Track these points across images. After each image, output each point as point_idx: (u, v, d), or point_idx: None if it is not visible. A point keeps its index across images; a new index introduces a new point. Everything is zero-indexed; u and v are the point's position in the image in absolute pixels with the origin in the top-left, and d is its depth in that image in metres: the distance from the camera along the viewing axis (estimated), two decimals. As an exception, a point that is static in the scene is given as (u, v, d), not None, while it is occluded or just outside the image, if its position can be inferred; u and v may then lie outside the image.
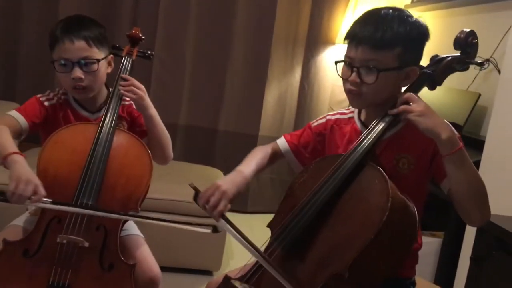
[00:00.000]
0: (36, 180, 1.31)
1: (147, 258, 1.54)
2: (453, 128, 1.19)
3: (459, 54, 1.32)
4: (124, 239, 1.57)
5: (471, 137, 2.30)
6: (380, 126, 1.25)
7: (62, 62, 1.52)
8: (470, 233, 2.01)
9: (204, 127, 3.29)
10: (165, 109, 3.17)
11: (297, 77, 3.37)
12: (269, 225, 1.31)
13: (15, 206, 1.55)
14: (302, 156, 1.48)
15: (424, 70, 1.31)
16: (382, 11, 1.27)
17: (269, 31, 3.21)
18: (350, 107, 1.45)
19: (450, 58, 1.31)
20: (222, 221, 1.22)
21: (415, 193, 1.27)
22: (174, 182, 2.49)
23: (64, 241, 1.35)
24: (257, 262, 1.25)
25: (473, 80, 2.57)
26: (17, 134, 1.52)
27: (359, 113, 1.41)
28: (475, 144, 2.17)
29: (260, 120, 3.29)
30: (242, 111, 3.29)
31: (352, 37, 1.26)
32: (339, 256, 1.13)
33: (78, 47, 1.51)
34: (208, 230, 1.34)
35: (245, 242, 1.19)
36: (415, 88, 1.29)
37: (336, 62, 1.33)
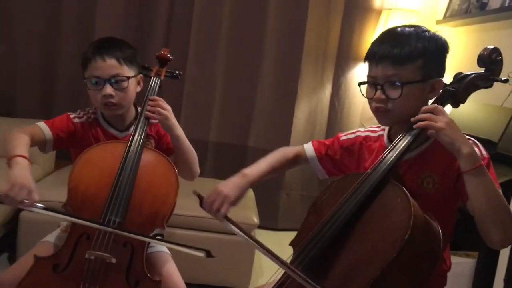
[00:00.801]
0: (31, 185, 1.33)
1: (173, 275, 1.56)
2: (475, 147, 1.18)
3: (483, 71, 1.31)
4: (151, 255, 1.59)
5: (506, 154, 2.23)
6: (403, 143, 1.24)
7: (94, 80, 1.58)
8: (504, 253, 1.95)
9: (234, 144, 3.32)
10: (196, 126, 3.24)
11: (327, 93, 3.37)
12: (291, 244, 1.32)
13: (48, 223, 1.62)
14: (326, 166, 1.49)
15: (447, 87, 1.30)
16: (398, 29, 1.29)
17: (299, 47, 3.23)
18: (381, 126, 1.45)
19: (473, 75, 1.30)
20: (226, 221, 1.30)
21: (441, 212, 1.25)
22: (195, 198, 2.51)
23: (92, 257, 1.39)
24: (282, 276, 1.26)
25: (508, 96, 2.51)
26: (40, 143, 1.58)
27: (389, 131, 1.40)
28: (511, 161, 2.11)
29: (290, 137, 3.30)
30: (272, 128, 3.30)
31: (371, 56, 1.28)
32: (361, 274, 1.12)
33: (109, 65, 1.57)
34: (202, 254, 1.35)
35: (250, 240, 1.26)
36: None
37: (359, 84, 1.34)
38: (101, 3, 3.12)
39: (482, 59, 1.31)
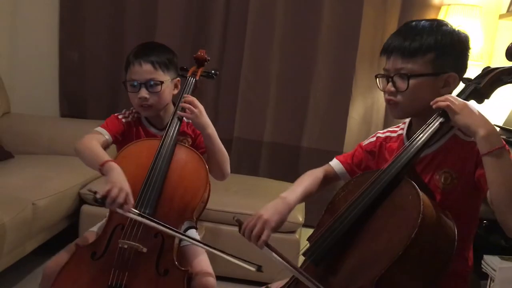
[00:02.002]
0: (128, 189, 1.45)
1: (204, 268, 1.62)
2: (495, 128, 1.14)
3: (511, 65, 1.26)
4: (184, 248, 1.67)
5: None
6: (420, 140, 1.22)
7: (132, 83, 1.69)
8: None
9: (288, 144, 3.34)
10: (251, 126, 3.30)
11: (383, 92, 3.29)
12: (308, 239, 1.33)
13: (105, 216, 1.73)
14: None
15: (470, 82, 1.27)
16: (414, 23, 1.29)
17: (354, 46, 3.18)
18: (400, 125, 1.44)
19: (499, 70, 1.25)
20: (266, 249, 1.26)
21: (462, 210, 1.23)
22: (250, 196, 2.58)
23: (125, 246, 1.49)
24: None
25: None
26: (105, 147, 1.69)
27: (408, 130, 1.38)
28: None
29: (344, 137, 3.26)
30: (326, 128, 3.28)
31: (384, 49, 1.29)
32: (367, 271, 1.13)
33: (145, 70, 1.67)
34: (253, 268, 1.38)
35: (292, 268, 1.24)
36: (459, 101, 1.24)
37: (376, 76, 1.34)
38: (162, 11, 3.26)
39: (510, 53, 1.25)
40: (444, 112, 1.19)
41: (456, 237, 1.14)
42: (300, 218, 2.47)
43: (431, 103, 1.20)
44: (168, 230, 1.47)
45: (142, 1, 3.30)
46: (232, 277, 2.48)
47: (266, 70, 3.25)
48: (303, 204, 2.66)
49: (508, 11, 2.91)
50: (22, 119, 3.07)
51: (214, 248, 1.45)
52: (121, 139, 1.75)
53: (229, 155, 3.34)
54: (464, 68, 1.28)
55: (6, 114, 3.01)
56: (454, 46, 1.25)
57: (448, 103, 1.16)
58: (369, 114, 3.34)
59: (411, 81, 1.23)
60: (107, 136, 1.70)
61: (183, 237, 1.54)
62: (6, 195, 2.09)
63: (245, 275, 2.48)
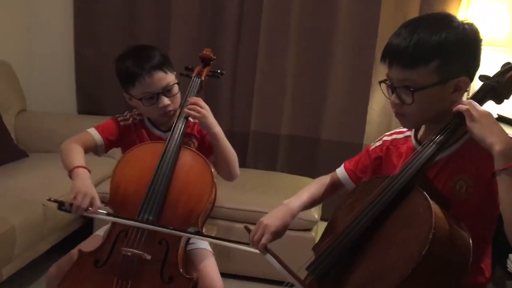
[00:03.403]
0: (93, 193, 1.43)
1: (210, 272, 1.58)
2: None
3: (532, 62, 1.15)
4: (190, 252, 1.63)
5: None
6: (431, 147, 1.13)
7: (147, 96, 1.61)
8: None
9: (306, 137, 3.26)
10: (268, 120, 3.23)
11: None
12: (313, 248, 1.27)
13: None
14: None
15: (487, 81, 1.16)
16: (414, 23, 1.15)
17: (373, 35, 3.05)
18: None
19: (520, 66, 1.15)
20: (268, 254, 1.27)
21: (477, 219, 1.14)
22: (266, 194, 2.52)
23: (129, 253, 1.45)
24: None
25: None
26: (93, 149, 1.67)
27: (416, 130, 1.29)
28: None
29: (364, 129, 3.16)
30: (345, 120, 3.18)
31: (385, 54, 1.17)
32: (376, 288, 1.06)
33: (158, 78, 1.61)
34: (257, 251, 1.32)
35: (290, 276, 1.20)
36: (475, 101, 1.14)
37: (380, 82, 1.24)
38: (176, 6, 3.20)
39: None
40: (461, 114, 1.09)
41: (471, 250, 1.06)
42: (316, 216, 2.41)
43: (454, 109, 1.10)
44: (162, 229, 1.45)
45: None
46: (250, 275, 2.45)
47: (282, 61, 3.16)
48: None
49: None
50: (38, 116, 3.07)
51: (217, 238, 1.50)
52: (118, 143, 1.71)
53: (245, 149, 3.29)
54: (475, 67, 1.16)
55: (22, 112, 3.01)
56: (461, 48, 1.12)
57: (468, 107, 1.07)
58: (390, 106, 3.22)
59: (416, 94, 1.12)
60: (97, 138, 1.66)
61: (179, 233, 1.48)
62: (16, 196, 2.09)
63: (263, 274, 2.45)
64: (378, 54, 3.20)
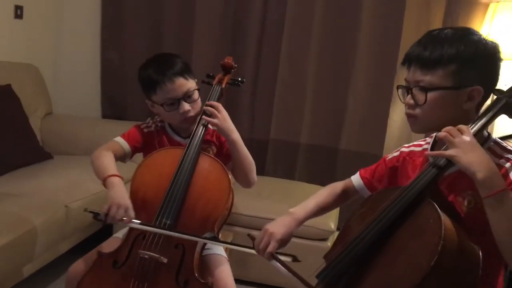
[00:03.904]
0: (128, 203, 1.47)
1: (225, 278, 1.60)
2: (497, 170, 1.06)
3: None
4: (206, 258, 1.66)
5: None
6: (442, 160, 1.14)
7: (169, 102, 1.66)
8: None
9: (325, 146, 3.27)
10: (287, 128, 3.25)
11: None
12: (325, 257, 1.29)
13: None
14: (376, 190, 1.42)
15: (502, 95, 1.17)
16: (437, 31, 1.20)
17: (395, 46, 3.06)
18: (427, 138, 1.37)
19: (535, 82, 1.15)
20: (274, 261, 1.30)
21: (489, 235, 1.13)
22: (282, 201, 2.54)
23: (146, 256, 1.49)
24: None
25: None
26: (122, 157, 1.72)
27: (434, 144, 1.30)
28: None
29: (384, 140, 3.16)
30: (365, 130, 3.18)
31: (404, 59, 1.23)
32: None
33: (179, 84, 1.66)
34: (289, 259, 1.36)
35: (299, 281, 1.24)
36: (487, 115, 1.16)
37: (397, 87, 1.27)
38: (200, 13, 3.26)
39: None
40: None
41: (481, 264, 1.06)
42: (332, 226, 2.41)
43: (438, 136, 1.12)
44: (180, 235, 1.49)
45: (181, 4, 3.31)
46: (265, 283, 2.47)
47: (303, 70, 3.19)
48: (338, 210, 2.60)
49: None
50: (63, 119, 3.15)
51: (234, 244, 1.55)
52: (143, 149, 1.76)
53: (264, 157, 3.30)
54: (492, 80, 1.19)
55: (49, 115, 3.10)
56: (479, 57, 1.15)
57: (445, 133, 1.09)
58: (411, 117, 3.22)
59: (429, 94, 1.16)
60: (125, 146, 1.71)
61: (195, 238, 1.52)
62: (40, 197, 2.15)
63: (278, 282, 2.47)
64: (400, 67, 3.23)
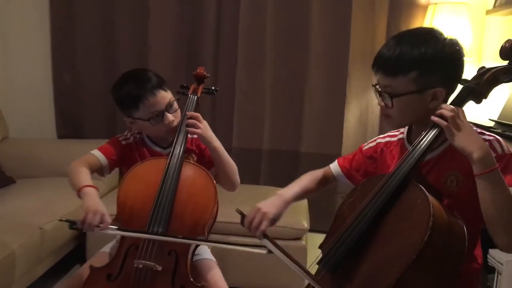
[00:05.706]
0: (103, 210, 1.48)
1: (217, 281, 1.65)
2: (490, 149, 1.18)
3: (506, 64, 1.29)
4: (197, 263, 1.69)
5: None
6: (423, 144, 1.25)
7: (153, 115, 1.68)
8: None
9: (287, 151, 3.37)
10: (249, 136, 3.33)
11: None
12: (320, 247, 1.36)
13: (112, 235, 1.76)
14: (355, 179, 1.51)
15: (467, 84, 1.30)
16: (400, 37, 1.29)
17: (345, 48, 3.21)
18: (400, 129, 1.47)
19: (495, 69, 1.29)
20: (266, 240, 1.34)
21: (468, 210, 1.25)
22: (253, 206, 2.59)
23: (140, 266, 1.51)
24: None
25: None
26: (98, 170, 1.72)
27: (408, 133, 1.41)
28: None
29: (341, 140, 3.30)
30: (323, 132, 3.31)
31: (374, 62, 1.32)
32: (383, 277, 1.15)
33: (161, 96, 1.69)
34: (264, 251, 1.40)
35: (288, 259, 1.30)
36: (457, 102, 1.27)
37: (373, 85, 1.37)
38: (153, 30, 3.29)
39: (505, 52, 1.29)
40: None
41: (466, 236, 1.17)
42: (306, 224, 2.49)
43: (432, 118, 1.22)
44: (173, 239, 1.51)
45: (133, 20, 3.32)
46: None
47: (260, 79, 3.29)
48: (307, 210, 2.69)
49: (494, 6, 2.96)
50: (21, 143, 3.10)
51: (228, 243, 1.58)
52: (121, 161, 1.77)
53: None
54: (454, 80, 1.29)
55: (5, 139, 3.02)
56: (440, 61, 1.24)
57: (447, 124, 1.18)
58: (365, 116, 3.39)
59: (395, 100, 1.27)
60: (101, 159, 1.71)
61: (191, 241, 1.55)
62: (12, 221, 2.11)
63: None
64: (351, 67, 3.40)
